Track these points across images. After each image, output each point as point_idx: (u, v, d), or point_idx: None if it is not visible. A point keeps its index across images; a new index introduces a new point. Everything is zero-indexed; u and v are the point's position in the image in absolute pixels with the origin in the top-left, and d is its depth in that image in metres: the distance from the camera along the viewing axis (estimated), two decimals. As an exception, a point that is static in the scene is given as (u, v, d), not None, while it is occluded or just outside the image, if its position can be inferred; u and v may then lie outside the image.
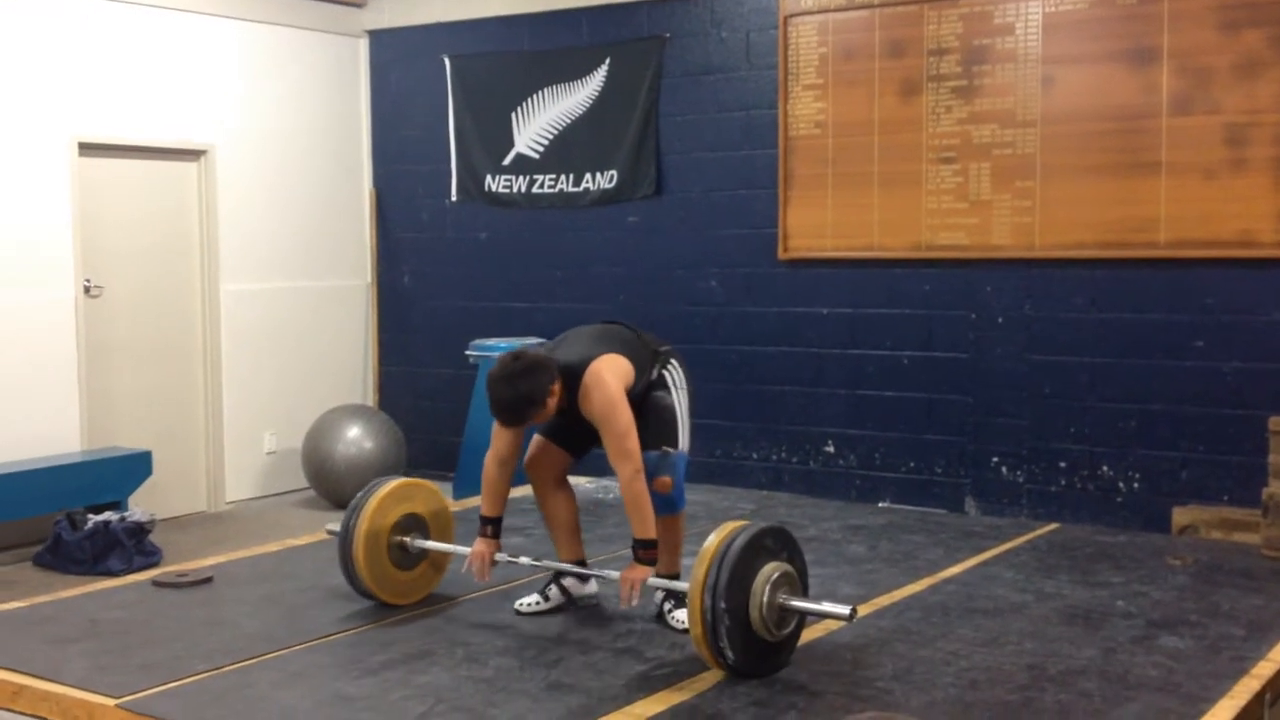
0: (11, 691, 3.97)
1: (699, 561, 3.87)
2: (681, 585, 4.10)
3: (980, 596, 4.89)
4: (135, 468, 7.26)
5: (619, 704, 3.74)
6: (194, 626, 4.55)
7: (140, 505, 7.19)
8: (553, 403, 4.28)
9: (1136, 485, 6.68)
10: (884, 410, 7.36)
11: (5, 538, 6.91)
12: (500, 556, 4.52)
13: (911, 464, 7.29)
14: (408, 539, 4.68)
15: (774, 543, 4.00)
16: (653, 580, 4.25)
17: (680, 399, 4.53)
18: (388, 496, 4.67)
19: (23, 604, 4.92)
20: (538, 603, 4.63)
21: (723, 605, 3.78)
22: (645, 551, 4.22)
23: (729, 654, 3.83)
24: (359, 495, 4.72)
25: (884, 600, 4.85)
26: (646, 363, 4.47)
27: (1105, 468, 6.76)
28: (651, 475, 4.31)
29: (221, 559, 5.65)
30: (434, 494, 4.87)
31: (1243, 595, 4.89)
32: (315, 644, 4.33)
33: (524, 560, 4.60)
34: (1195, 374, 6.53)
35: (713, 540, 3.92)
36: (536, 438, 4.66)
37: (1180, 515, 6.38)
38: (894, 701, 3.75)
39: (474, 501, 6.33)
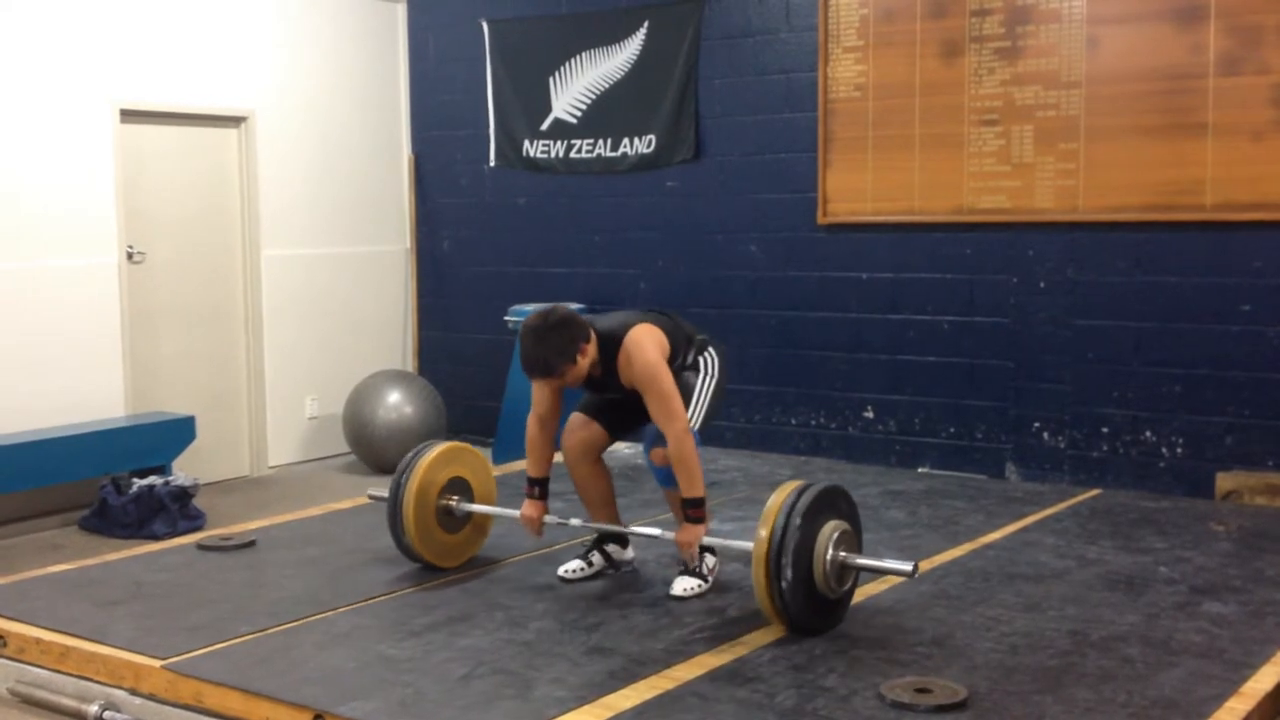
0: (59, 653, 4.03)
1: (762, 521, 3.96)
2: (743, 544, 4.15)
3: (1021, 562, 4.87)
4: (179, 432, 7.33)
5: (658, 667, 3.75)
6: (238, 589, 4.60)
7: (184, 470, 7.26)
8: (584, 362, 4.30)
9: (1180, 450, 6.62)
10: (924, 375, 7.32)
11: (51, 502, 6.99)
12: (549, 518, 4.60)
13: (952, 429, 7.25)
14: (453, 501, 4.74)
15: (835, 501, 4.11)
16: (708, 539, 4.32)
17: (706, 384, 4.52)
18: (436, 459, 4.72)
19: (69, 567, 4.99)
20: (581, 568, 4.66)
21: (788, 562, 3.88)
22: (694, 510, 4.26)
23: (791, 610, 3.92)
24: (408, 457, 4.76)
25: (924, 565, 4.84)
26: (681, 344, 4.51)
27: (1148, 433, 6.70)
28: (650, 446, 4.40)
29: (264, 523, 5.71)
30: (479, 459, 4.92)
31: (1288, 561, 4.85)
32: (358, 607, 4.37)
33: (574, 522, 4.67)
34: (1241, 338, 6.45)
35: (775, 499, 4.00)
36: (577, 414, 4.67)
37: (1224, 481, 6.32)
38: (934, 666, 3.75)
39: (515, 466, 6.37)
